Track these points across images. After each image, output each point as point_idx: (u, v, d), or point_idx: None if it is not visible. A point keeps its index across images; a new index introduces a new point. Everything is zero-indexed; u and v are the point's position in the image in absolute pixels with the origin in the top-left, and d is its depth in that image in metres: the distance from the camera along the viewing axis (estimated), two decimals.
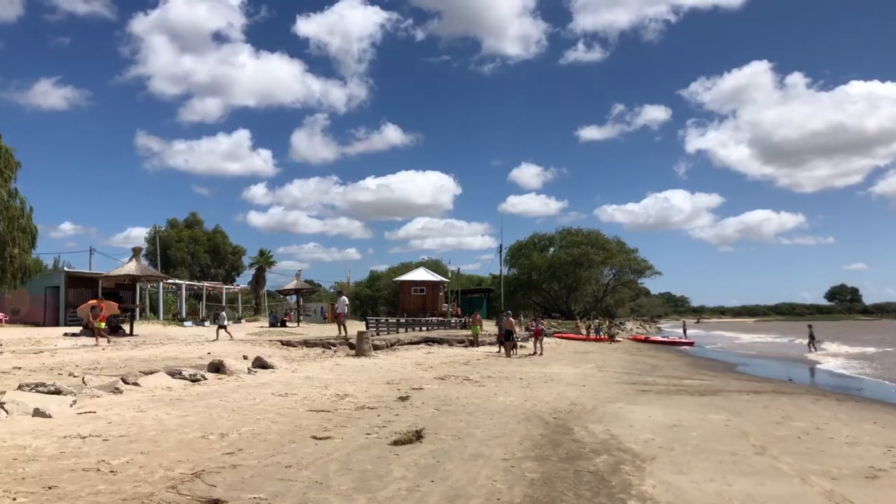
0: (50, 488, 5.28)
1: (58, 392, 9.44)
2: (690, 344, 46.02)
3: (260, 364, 15.43)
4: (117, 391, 10.39)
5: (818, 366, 26.80)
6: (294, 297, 42.94)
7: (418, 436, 8.09)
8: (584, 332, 45.03)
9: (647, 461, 7.02)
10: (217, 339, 23.56)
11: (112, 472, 5.85)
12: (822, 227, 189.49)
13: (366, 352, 20.98)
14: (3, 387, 10.31)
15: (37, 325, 31.13)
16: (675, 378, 17.87)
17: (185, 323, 35.08)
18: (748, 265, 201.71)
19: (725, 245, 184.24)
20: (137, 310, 31.37)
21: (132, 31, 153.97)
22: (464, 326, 32.29)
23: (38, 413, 8.10)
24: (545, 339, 28.19)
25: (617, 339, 46.09)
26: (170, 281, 38.85)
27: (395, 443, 7.66)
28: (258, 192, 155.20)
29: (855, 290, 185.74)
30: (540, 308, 72.16)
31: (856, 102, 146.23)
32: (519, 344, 26.59)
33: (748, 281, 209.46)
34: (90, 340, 21.77)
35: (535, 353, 25.13)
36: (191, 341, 22.75)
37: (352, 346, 22.25)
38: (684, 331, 58.49)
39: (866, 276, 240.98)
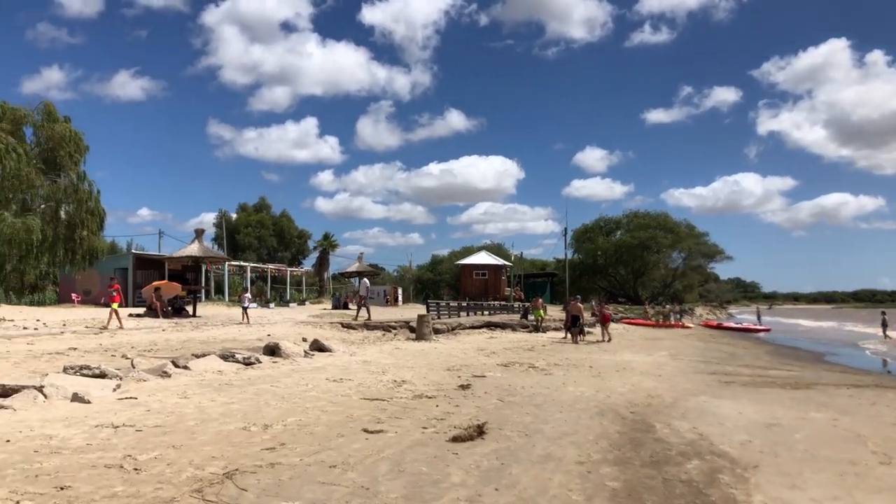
0: (62, 489, 4.66)
1: (102, 375, 8.99)
2: (767, 331, 43.79)
3: (317, 347, 14.88)
4: (165, 375, 9.91)
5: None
6: (357, 280, 42.68)
7: (480, 431, 7.25)
8: (652, 318, 43.29)
9: (749, 469, 5.99)
10: (243, 321, 22.99)
11: (136, 469, 5.21)
12: None
13: (426, 336, 20.28)
14: (52, 368, 9.96)
15: (106, 305, 31.65)
16: (758, 368, 16.52)
17: (251, 304, 35.17)
18: (824, 250, 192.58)
19: (799, 229, 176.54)
20: (202, 291, 31.53)
21: (204, 22, 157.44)
22: (526, 311, 31.19)
23: (76, 398, 7.62)
24: (612, 325, 26.96)
25: (687, 325, 44.28)
26: (234, 263, 39.13)
27: (455, 439, 6.84)
28: (325, 178, 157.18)
29: None
30: (606, 293, 70.33)
31: None
32: (586, 330, 25.46)
33: (824, 266, 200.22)
34: (154, 322, 21.77)
35: (602, 339, 23.99)
36: (252, 323, 22.51)
37: (412, 330, 21.61)
38: (758, 317, 55.78)
39: None
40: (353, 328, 22.29)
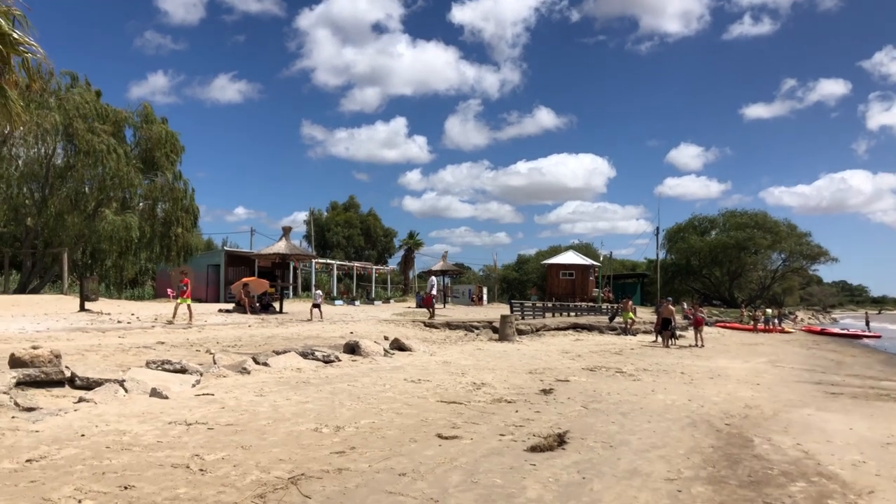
0: (126, 488, 4.56)
1: (182, 371, 9.07)
2: (877, 337, 40.90)
3: (398, 346, 14.74)
4: (245, 371, 9.94)
5: None
6: (441, 279, 42.70)
7: (560, 441, 6.82)
8: (749, 321, 41.11)
9: (864, 495, 5.33)
10: (311, 319, 22.89)
11: (201, 470, 5.08)
12: None
13: (509, 336, 19.86)
14: (138, 362, 10.16)
15: (199, 301, 32.82)
16: (869, 378, 15.25)
17: (336, 302, 35.73)
18: None
19: None
20: (290, 288, 32.18)
21: (298, 26, 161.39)
22: (615, 313, 30.23)
23: (154, 393, 7.67)
24: (705, 329, 25.72)
25: (788, 329, 41.92)
26: (320, 261, 39.86)
27: (533, 448, 6.44)
28: (413, 177, 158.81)
29: None
30: (699, 295, 67.80)
31: None
32: (678, 334, 24.37)
33: None
34: (242, 317, 22.30)
35: (695, 344, 22.88)
36: (336, 320, 22.71)
37: (495, 330, 21.24)
38: (867, 322, 52.33)
39: None
40: (436, 327, 22.12)
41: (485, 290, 54.11)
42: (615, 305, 39.48)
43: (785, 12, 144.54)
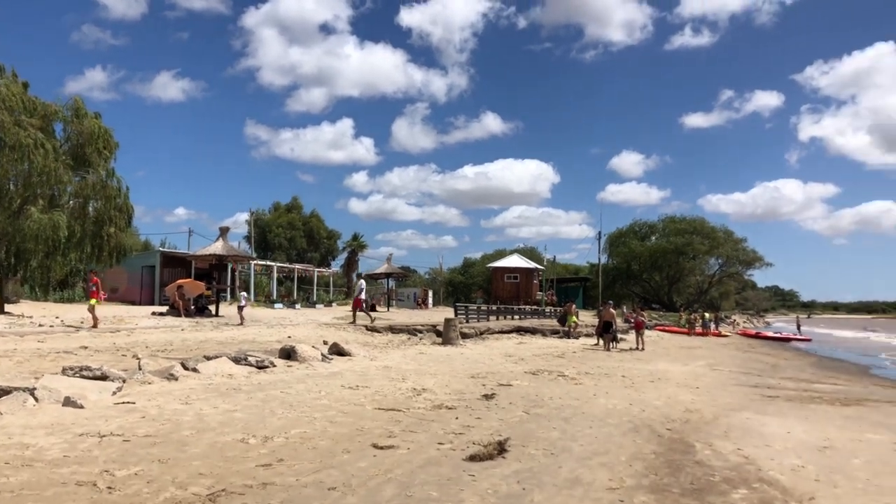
0: None
1: (103, 377, 8.51)
2: (807, 341, 42.33)
3: (336, 351, 14.33)
4: (172, 378, 9.42)
5: None
6: (385, 282, 42.23)
7: (501, 449, 6.59)
8: (686, 324, 41.86)
9: (805, 502, 5.24)
10: (242, 322, 21.74)
11: (110, 488, 4.65)
12: None
13: (452, 340, 19.63)
14: (56, 368, 9.53)
15: (133, 303, 31.64)
16: (803, 381, 15.56)
17: (276, 305, 34.93)
18: (865, 259, 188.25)
19: (840, 237, 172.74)
20: (228, 290, 31.31)
21: (244, 24, 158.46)
22: (563, 317, 30.19)
23: (68, 402, 7.13)
24: (646, 333, 26.03)
25: (724, 333, 42.93)
26: (259, 262, 38.96)
27: (472, 458, 6.18)
28: (359, 179, 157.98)
29: None
30: (640, 299, 69.01)
31: None
32: (619, 337, 24.57)
33: (865, 275, 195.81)
34: (175, 321, 21.48)
35: (636, 347, 23.10)
36: (274, 324, 22.10)
37: (438, 334, 20.99)
38: (798, 326, 54.16)
39: None
40: (378, 331, 21.74)
41: (430, 294, 53.86)
42: (560, 308, 39.75)
43: (723, 25, 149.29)
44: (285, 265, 42.59)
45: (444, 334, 20.08)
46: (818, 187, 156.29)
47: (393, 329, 22.06)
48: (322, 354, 13.46)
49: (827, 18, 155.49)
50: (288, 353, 12.75)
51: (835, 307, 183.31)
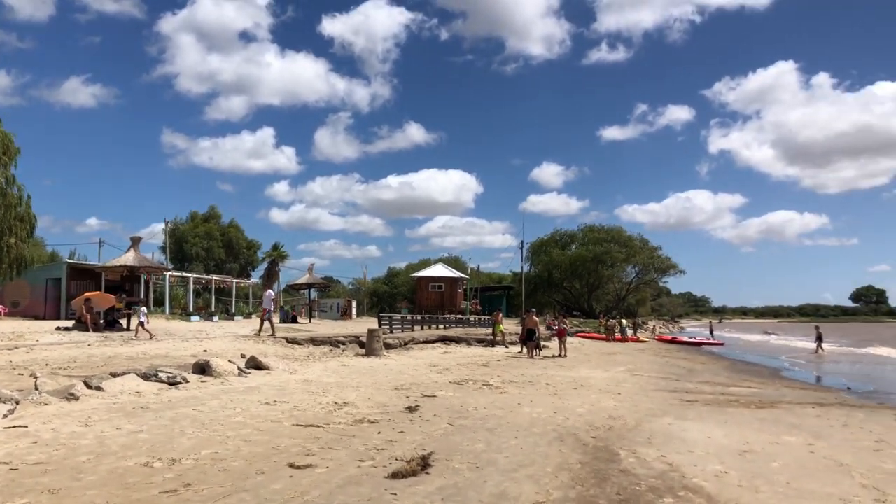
0: None
1: None
2: (720, 345, 43.90)
3: (254, 364, 13.77)
4: (72, 397, 8.76)
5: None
6: (307, 292, 41.36)
7: (425, 464, 6.35)
8: (605, 331, 42.68)
9: None
10: (152, 336, 20.45)
11: None
12: (847, 228, 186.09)
13: (376, 351, 19.29)
14: None
15: (36, 318, 29.81)
16: (719, 385, 15.97)
17: (193, 318, 33.64)
18: (770, 266, 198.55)
19: (747, 245, 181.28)
20: (141, 303, 29.92)
21: (160, 30, 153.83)
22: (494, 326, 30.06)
23: None
24: (568, 339, 26.35)
25: (642, 339, 44.03)
26: (175, 273, 37.49)
27: (395, 475, 5.92)
28: (281, 189, 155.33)
29: (881, 293, 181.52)
30: (561, 307, 70.23)
31: (883, 103, 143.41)
32: (542, 344, 24.75)
33: (770, 282, 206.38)
34: (82, 336, 20.30)
35: (559, 354, 23.29)
36: (189, 337, 21.19)
37: (362, 345, 20.59)
38: (711, 331, 56.19)
39: (890, 278, 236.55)
40: (299, 343, 21.15)
41: (354, 304, 53.16)
42: (485, 317, 39.85)
43: (637, 41, 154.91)
44: (202, 276, 41.13)
45: (367, 345, 19.71)
46: (727, 198, 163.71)
47: (314, 341, 21.52)
48: (239, 368, 12.90)
49: (733, 37, 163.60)
50: (202, 368, 12.15)
51: (744, 312, 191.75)
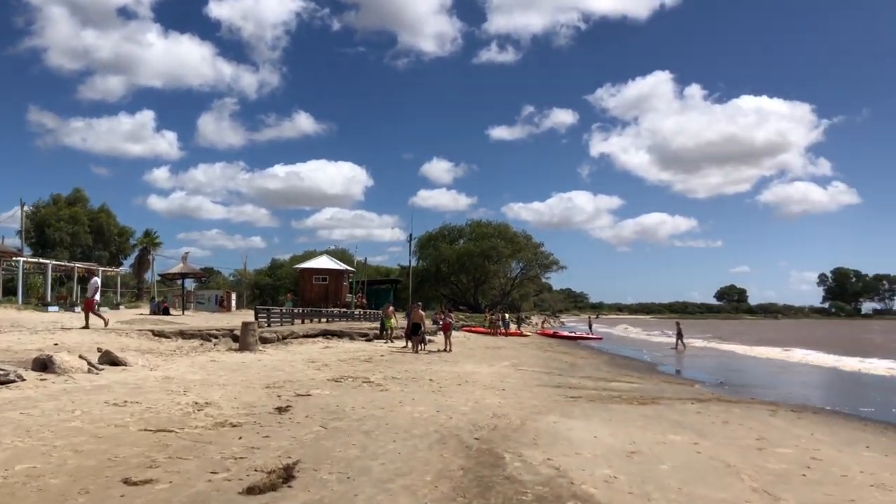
0: None
1: None
2: (599, 339, 45.24)
3: (109, 360, 12.39)
4: None
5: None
6: (182, 283, 38.95)
7: (288, 475, 5.58)
8: (489, 325, 42.93)
9: None
10: None
11: None
12: (712, 231, 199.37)
13: (251, 346, 18.12)
14: None
15: None
16: (600, 380, 16.01)
17: (51, 308, 30.81)
18: (644, 265, 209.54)
19: (623, 245, 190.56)
20: None
21: (28, 0, 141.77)
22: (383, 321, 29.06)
23: None
24: (453, 333, 26.05)
25: (525, 333, 44.68)
26: (31, 259, 34.28)
27: (251, 490, 5.12)
28: (161, 175, 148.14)
29: (742, 291, 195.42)
30: (448, 301, 70.39)
31: (746, 116, 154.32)
32: (427, 338, 24.26)
33: (644, 280, 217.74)
34: None
35: (444, 349, 22.89)
36: (40, 329, 19.15)
37: (236, 339, 19.32)
38: (590, 326, 57.91)
39: (750, 279, 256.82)
40: (167, 336, 19.60)
41: (234, 296, 50.86)
42: (373, 311, 38.99)
43: (526, 45, 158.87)
44: (63, 263, 37.85)
45: (241, 339, 18.49)
46: (606, 199, 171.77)
47: (184, 334, 20.01)
48: (90, 364, 11.52)
49: (615, 45, 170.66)
50: (44, 364, 10.73)
51: (619, 308, 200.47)
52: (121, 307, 36.34)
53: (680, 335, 35.70)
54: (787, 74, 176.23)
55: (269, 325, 24.58)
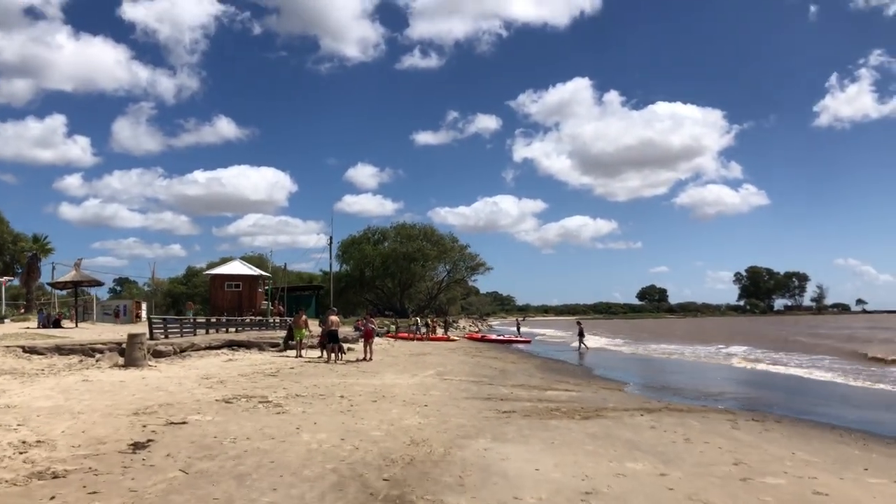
0: None
1: None
2: (527, 342, 44.00)
3: None
4: None
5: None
6: (75, 292, 35.54)
7: None
8: (411, 330, 41.19)
9: None
10: None
11: None
12: (633, 232, 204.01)
13: (137, 361, 15.78)
14: None
15: None
16: (535, 389, 14.43)
17: None
18: (568, 267, 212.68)
19: (548, 247, 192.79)
20: None
21: None
22: (290, 330, 26.51)
23: None
24: (376, 340, 24.11)
25: (453, 337, 43.09)
26: None
27: None
28: (73, 182, 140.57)
29: (663, 291, 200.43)
30: (372, 306, 68.23)
31: (662, 121, 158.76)
32: (347, 347, 22.19)
33: (568, 281, 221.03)
34: None
35: (364, 357, 20.89)
36: None
37: (122, 353, 16.88)
38: (518, 329, 56.80)
39: (668, 279, 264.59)
40: (40, 352, 16.98)
41: (144, 306, 47.32)
42: (287, 319, 36.53)
43: (449, 50, 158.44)
44: None
45: (127, 354, 16.13)
46: (530, 203, 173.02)
47: (61, 350, 17.43)
48: None
49: (536, 52, 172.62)
50: None
51: (545, 310, 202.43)
52: (6, 320, 32.73)
53: (581, 335, 34.98)
54: (699, 82, 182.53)
55: (166, 337, 22.03)
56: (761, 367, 22.90)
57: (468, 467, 6.42)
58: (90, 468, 6.06)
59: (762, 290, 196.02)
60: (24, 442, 7.07)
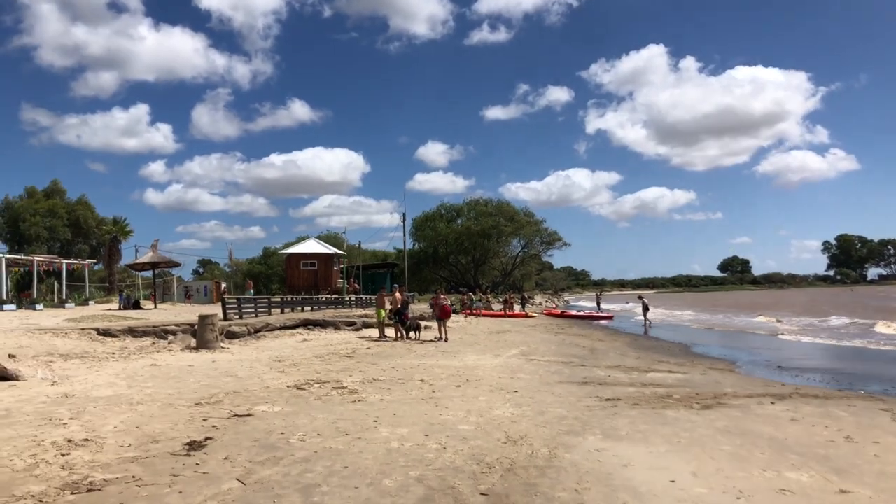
0: None
1: None
2: (610, 318, 42.13)
3: None
4: None
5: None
6: (153, 273, 35.81)
7: None
8: (461, 306, 39.84)
9: None
10: None
11: None
12: (712, 203, 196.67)
13: (209, 343, 15.17)
14: None
15: None
16: (634, 371, 13.01)
17: (6, 306, 27.72)
18: (644, 239, 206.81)
19: (623, 221, 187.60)
20: None
21: None
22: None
23: None
24: (452, 318, 23.03)
25: (531, 314, 41.66)
26: None
27: None
28: (156, 169, 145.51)
29: (745, 262, 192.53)
30: (447, 283, 67.45)
31: (742, 86, 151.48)
32: (423, 325, 21.10)
33: (645, 254, 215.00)
34: None
35: (440, 337, 19.76)
36: None
37: (195, 335, 16.33)
38: (598, 304, 54.84)
39: (751, 250, 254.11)
40: (113, 335, 16.63)
41: (223, 286, 47.85)
42: (367, 297, 35.97)
43: (518, 23, 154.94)
44: (19, 257, 34.67)
45: (198, 336, 15.54)
46: (604, 175, 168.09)
47: (134, 332, 17.06)
48: None
49: (608, 20, 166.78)
50: None
51: (622, 284, 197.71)
52: (90, 302, 33.28)
53: (645, 309, 33.46)
54: (782, 43, 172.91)
55: (240, 317, 21.56)
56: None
57: (583, 476, 5.18)
58: (133, 476, 5.11)
59: (854, 259, 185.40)
60: (69, 441, 6.24)
